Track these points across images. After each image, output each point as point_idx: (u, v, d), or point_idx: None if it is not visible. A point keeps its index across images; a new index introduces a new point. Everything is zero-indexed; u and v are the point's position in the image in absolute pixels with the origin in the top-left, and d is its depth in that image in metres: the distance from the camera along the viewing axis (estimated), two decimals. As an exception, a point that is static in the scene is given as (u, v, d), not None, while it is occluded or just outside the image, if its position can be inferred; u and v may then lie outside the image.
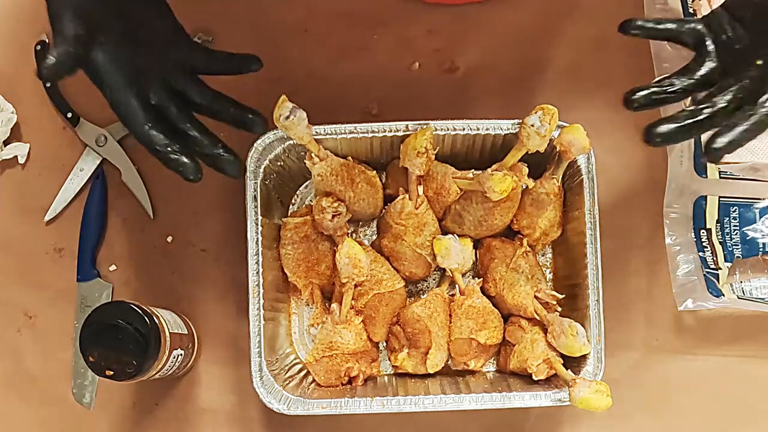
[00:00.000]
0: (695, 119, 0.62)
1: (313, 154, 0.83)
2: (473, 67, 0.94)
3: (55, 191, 0.93)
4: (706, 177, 0.89)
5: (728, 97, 0.62)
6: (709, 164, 0.88)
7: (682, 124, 0.62)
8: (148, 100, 0.67)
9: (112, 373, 0.77)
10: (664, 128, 0.62)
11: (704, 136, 0.63)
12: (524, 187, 0.86)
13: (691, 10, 0.90)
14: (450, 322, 0.87)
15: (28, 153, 0.94)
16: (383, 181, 0.90)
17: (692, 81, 0.65)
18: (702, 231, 0.89)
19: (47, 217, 0.93)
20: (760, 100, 0.61)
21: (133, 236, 0.93)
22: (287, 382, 0.85)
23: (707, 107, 0.62)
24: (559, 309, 0.86)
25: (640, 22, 0.67)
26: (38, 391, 0.92)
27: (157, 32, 0.69)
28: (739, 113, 0.61)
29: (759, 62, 0.62)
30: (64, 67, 0.61)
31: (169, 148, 0.66)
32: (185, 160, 0.67)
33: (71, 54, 0.61)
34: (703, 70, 0.64)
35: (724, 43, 0.65)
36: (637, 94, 0.65)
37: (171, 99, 0.69)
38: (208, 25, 0.94)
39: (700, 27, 0.66)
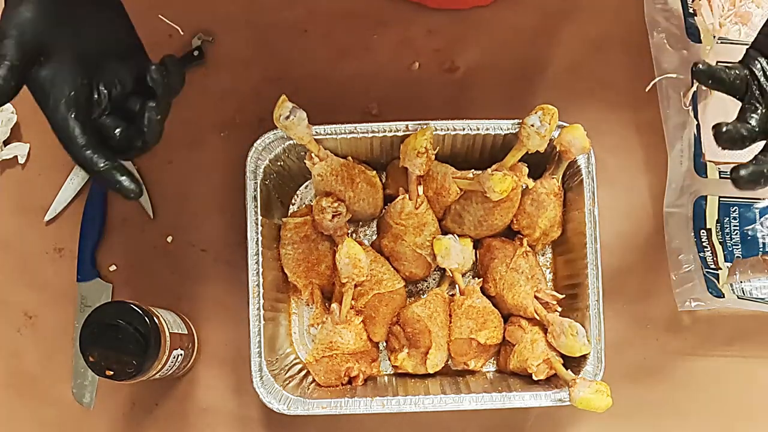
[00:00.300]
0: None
1: (313, 154, 0.83)
2: (473, 67, 0.94)
3: (55, 191, 0.93)
4: (706, 177, 0.89)
5: None
6: (709, 164, 0.88)
7: (758, 170, 0.63)
8: (88, 120, 0.63)
9: (112, 373, 0.77)
10: (744, 173, 0.63)
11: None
12: (524, 187, 0.86)
13: (691, 10, 0.90)
14: (450, 322, 0.87)
15: (28, 153, 0.94)
16: (383, 181, 0.90)
17: (749, 131, 0.65)
18: (702, 231, 0.89)
19: (47, 217, 0.93)
20: None
21: (133, 236, 0.93)
22: (287, 382, 0.85)
23: None
24: (559, 309, 0.86)
25: (708, 71, 0.66)
26: (38, 391, 0.92)
27: (109, 48, 0.65)
28: None
29: None
30: None
31: (109, 169, 0.62)
32: (125, 180, 0.62)
33: (5, 83, 0.60)
34: (754, 123, 0.64)
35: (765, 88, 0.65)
36: (721, 133, 0.64)
37: (114, 119, 0.64)
38: (208, 25, 0.94)
39: (745, 73, 0.65)
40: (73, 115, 0.61)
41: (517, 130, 0.82)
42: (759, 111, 0.64)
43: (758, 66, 0.65)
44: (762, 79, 0.65)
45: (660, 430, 0.91)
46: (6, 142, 0.94)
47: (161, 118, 0.65)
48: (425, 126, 0.82)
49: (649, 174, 0.93)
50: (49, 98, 0.62)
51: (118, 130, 0.64)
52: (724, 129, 0.63)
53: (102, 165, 0.61)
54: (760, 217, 0.88)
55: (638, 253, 0.92)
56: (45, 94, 0.62)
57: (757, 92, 0.65)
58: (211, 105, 0.93)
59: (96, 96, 0.64)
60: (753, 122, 0.64)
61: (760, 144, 0.65)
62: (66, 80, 0.62)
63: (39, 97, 0.62)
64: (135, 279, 0.93)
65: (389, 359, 0.89)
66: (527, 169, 0.84)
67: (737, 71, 0.66)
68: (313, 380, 0.87)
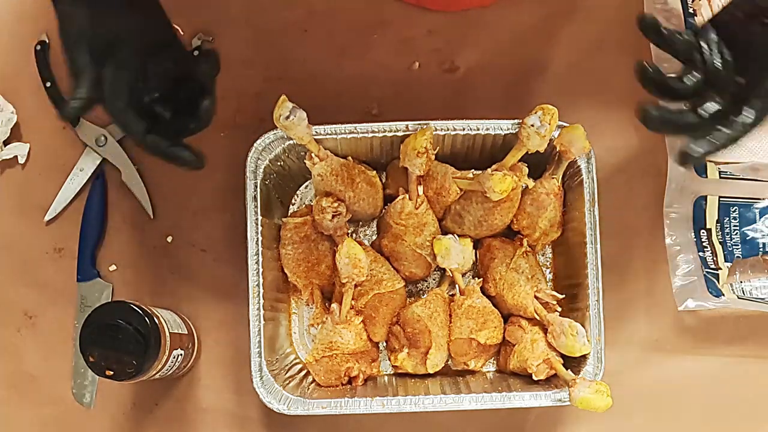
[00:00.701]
0: (682, 121, 0.67)
1: (313, 154, 0.83)
2: (473, 67, 0.94)
3: (55, 191, 0.93)
4: (706, 177, 0.89)
5: (712, 110, 0.66)
6: (709, 164, 0.88)
7: (670, 118, 0.67)
8: (142, 107, 0.69)
9: (112, 373, 0.77)
10: (654, 113, 0.67)
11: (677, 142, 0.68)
12: (524, 187, 0.86)
13: (691, 10, 0.90)
14: (450, 322, 0.87)
15: (28, 153, 0.94)
16: (383, 181, 0.90)
17: (682, 89, 0.68)
18: (702, 231, 0.89)
19: (47, 217, 0.93)
20: (736, 119, 0.65)
21: (133, 236, 0.93)
22: (287, 382, 0.85)
23: (694, 115, 0.67)
24: (559, 309, 0.86)
25: (654, 24, 0.70)
26: (38, 391, 0.92)
27: (153, 39, 0.70)
28: (715, 127, 0.66)
29: (740, 80, 0.66)
30: (86, 108, 0.66)
31: (171, 148, 0.70)
32: (187, 155, 0.71)
33: (91, 97, 0.65)
34: (688, 83, 0.68)
35: (709, 59, 0.68)
36: (644, 74, 0.69)
37: (163, 105, 0.71)
38: (208, 25, 0.94)
39: (692, 40, 0.69)
40: (131, 107, 0.67)
41: (517, 130, 0.82)
42: (695, 76, 0.67)
43: (708, 37, 0.67)
44: (706, 52, 0.67)
45: (660, 430, 0.91)
46: (6, 142, 0.94)
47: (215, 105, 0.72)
48: (425, 126, 0.82)
49: (649, 174, 0.93)
50: (112, 98, 0.67)
51: (168, 115, 0.71)
52: (649, 68, 0.68)
53: (165, 145, 0.69)
54: (760, 217, 0.88)
55: (638, 253, 0.92)
56: (108, 95, 0.66)
57: (699, 61, 0.67)
58: (211, 105, 0.93)
59: (145, 84, 0.69)
60: (687, 81, 0.67)
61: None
62: (123, 76, 0.67)
63: (102, 97, 0.67)
64: (135, 279, 0.93)
65: (389, 359, 0.89)
66: (527, 169, 0.84)
67: (685, 35, 0.68)
68: (313, 380, 0.87)
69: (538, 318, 0.85)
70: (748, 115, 0.65)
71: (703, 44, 0.67)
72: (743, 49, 0.66)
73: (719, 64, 0.67)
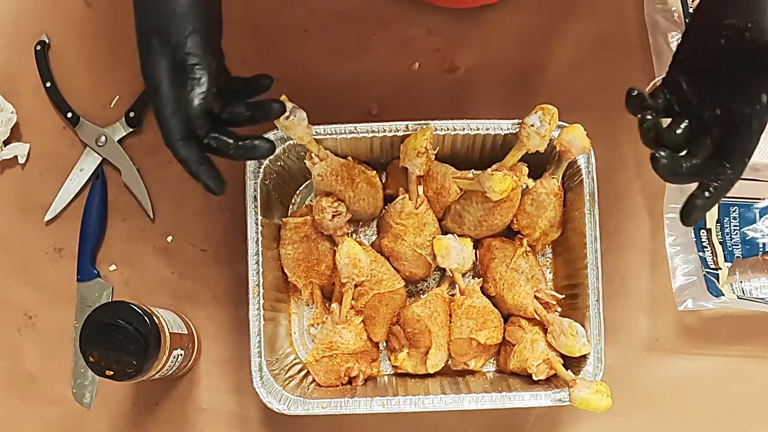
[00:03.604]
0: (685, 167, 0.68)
1: (313, 154, 0.83)
2: (473, 67, 0.94)
3: (55, 191, 0.93)
4: (706, 177, 0.88)
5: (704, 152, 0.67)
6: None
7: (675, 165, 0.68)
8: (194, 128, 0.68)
9: (112, 373, 0.77)
10: (664, 161, 0.68)
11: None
12: (524, 187, 0.86)
13: (691, 10, 0.90)
14: (450, 322, 0.87)
15: (28, 153, 0.94)
16: (383, 181, 0.90)
17: (676, 138, 0.69)
18: (702, 231, 0.89)
19: (47, 217, 0.93)
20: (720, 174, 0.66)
21: (133, 236, 0.93)
22: (287, 382, 0.85)
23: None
24: (559, 309, 0.86)
25: (638, 99, 0.71)
26: (38, 391, 0.92)
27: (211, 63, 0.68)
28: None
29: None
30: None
31: (200, 165, 0.68)
32: (262, 147, 0.67)
33: None
34: (678, 131, 0.69)
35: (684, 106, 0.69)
36: (643, 131, 0.71)
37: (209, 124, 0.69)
38: (208, 25, 0.94)
39: (664, 94, 0.70)
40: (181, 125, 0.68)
41: (517, 130, 0.82)
42: (681, 123, 0.68)
43: (674, 87, 0.69)
44: (677, 101, 0.69)
45: (660, 430, 0.91)
46: (6, 142, 0.94)
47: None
48: (425, 126, 0.82)
49: (649, 174, 0.92)
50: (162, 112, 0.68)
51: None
52: (647, 119, 0.69)
53: (195, 161, 0.68)
54: (760, 217, 0.88)
55: (638, 253, 0.92)
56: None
57: (678, 111, 0.69)
58: (211, 105, 0.93)
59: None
60: (677, 130, 0.68)
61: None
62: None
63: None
64: (135, 279, 0.93)
65: (389, 359, 0.89)
66: (527, 169, 0.84)
67: (660, 96, 0.70)
68: (313, 380, 0.87)
69: (538, 318, 0.85)
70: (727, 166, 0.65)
71: (672, 95, 0.69)
72: (711, 74, 0.66)
73: (695, 103, 0.67)
